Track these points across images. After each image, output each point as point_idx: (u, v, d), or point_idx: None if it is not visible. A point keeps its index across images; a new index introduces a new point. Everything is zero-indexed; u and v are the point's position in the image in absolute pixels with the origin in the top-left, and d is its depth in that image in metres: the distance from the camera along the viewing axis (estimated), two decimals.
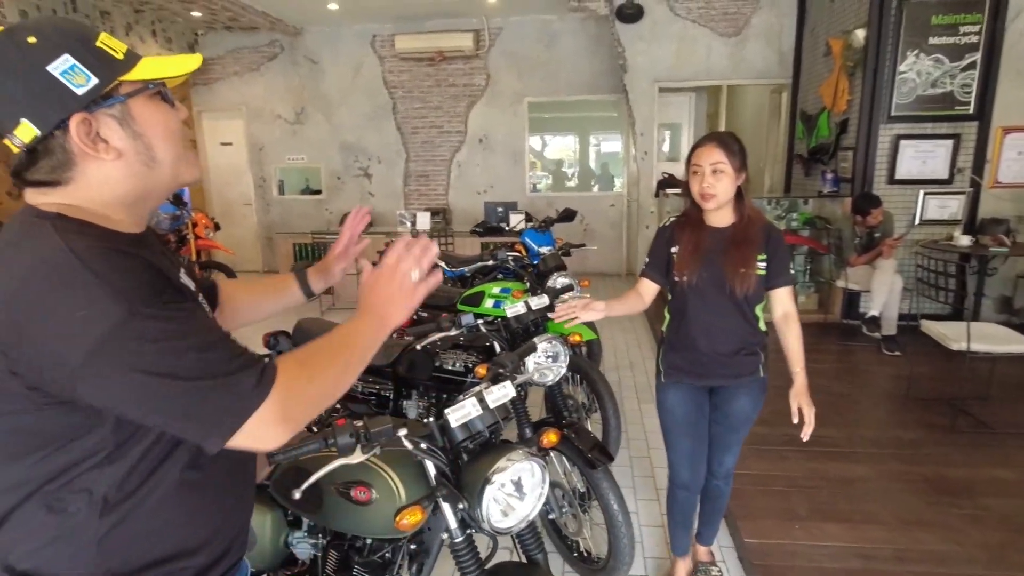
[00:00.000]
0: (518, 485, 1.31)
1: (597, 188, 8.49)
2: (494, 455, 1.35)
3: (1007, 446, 3.06)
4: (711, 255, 1.84)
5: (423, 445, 1.37)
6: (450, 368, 2.41)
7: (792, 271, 1.88)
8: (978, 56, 4.54)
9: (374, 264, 0.96)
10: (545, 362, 2.15)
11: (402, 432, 1.34)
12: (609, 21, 6.61)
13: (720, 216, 1.87)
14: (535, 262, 3.66)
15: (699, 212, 1.88)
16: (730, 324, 1.86)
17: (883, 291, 4.26)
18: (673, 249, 1.91)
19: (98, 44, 0.78)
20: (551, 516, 2.18)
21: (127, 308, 0.69)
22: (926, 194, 4.79)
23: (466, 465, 1.38)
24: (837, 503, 2.60)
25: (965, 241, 4.39)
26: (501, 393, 1.37)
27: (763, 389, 1.96)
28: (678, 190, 5.79)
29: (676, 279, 1.88)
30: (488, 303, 3.22)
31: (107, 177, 0.79)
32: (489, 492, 1.28)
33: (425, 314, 3.58)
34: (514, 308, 2.18)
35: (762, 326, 1.92)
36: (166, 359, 0.70)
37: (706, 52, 6.47)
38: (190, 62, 0.83)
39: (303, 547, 1.59)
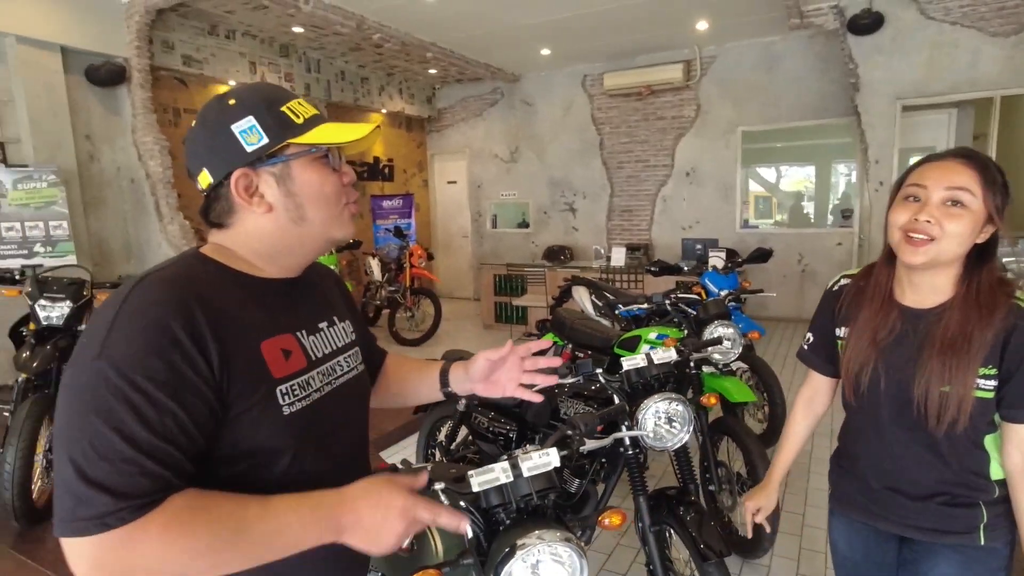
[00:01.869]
0: (535, 570, 1.14)
1: (830, 223, 7.45)
2: (528, 527, 1.21)
3: None
4: (897, 352, 1.15)
5: (462, 503, 1.29)
6: (568, 417, 2.27)
7: None
8: None
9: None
10: (662, 425, 1.90)
11: (439, 486, 1.27)
12: (839, 35, 5.81)
13: (925, 287, 1.15)
14: None
15: (889, 274, 1.20)
16: (918, 460, 1.18)
17: None
18: (840, 332, 1.27)
19: (283, 108, 0.85)
20: None
21: (96, 355, 0.69)
22: None
23: (502, 533, 1.25)
24: None
25: None
26: (540, 461, 1.22)
27: (991, 567, 1.18)
28: None
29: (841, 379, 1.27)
30: (643, 349, 2.99)
31: (258, 227, 0.86)
32: (507, 570, 1.14)
33: (580, 354, 3.47)
34: (632, 360, 1.97)
35: (994, 472, 1.16)
36: (76, 421, 0.67)
37: (971, 58, 5.28)
38: (362, 129, 0.88)
39: None
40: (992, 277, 1.10)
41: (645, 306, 3.22)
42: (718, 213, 7.39)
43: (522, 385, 1.08)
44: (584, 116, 8.05)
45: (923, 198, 1.08)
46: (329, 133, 0.85)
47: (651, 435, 1.88)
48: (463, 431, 2.85)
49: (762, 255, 3.95)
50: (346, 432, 0.97)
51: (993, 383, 1.08)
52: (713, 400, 2.23)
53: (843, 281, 1.30)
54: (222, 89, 6.47)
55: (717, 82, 7.13)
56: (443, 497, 1.27)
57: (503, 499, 1.24)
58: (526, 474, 1.22)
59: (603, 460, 2.20)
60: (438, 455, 3.01)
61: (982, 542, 1.15)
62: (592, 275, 6.21)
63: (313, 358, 0.88)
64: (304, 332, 0.89)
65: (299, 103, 0.87)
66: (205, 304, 0.76)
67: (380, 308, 7.31)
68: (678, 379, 2.49)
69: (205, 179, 0.85)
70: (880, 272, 1.21)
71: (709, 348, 2.38)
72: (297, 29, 5.99)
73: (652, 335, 3.00)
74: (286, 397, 0.82)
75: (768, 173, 8.66)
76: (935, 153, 1.14)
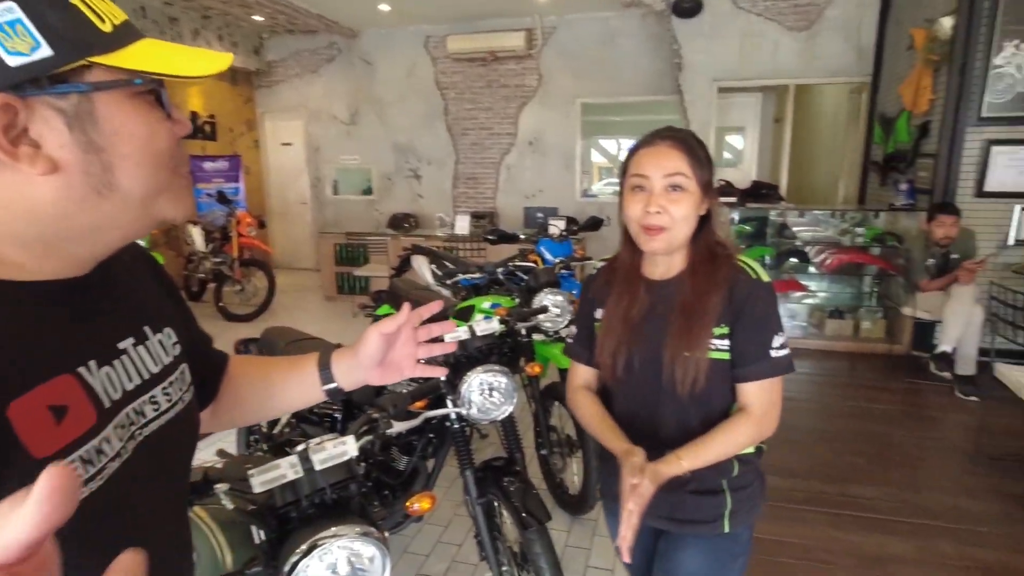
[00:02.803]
0: (334, 570, 1.04)
1: None
2: (325, 523, 1.10)
3: None
4: (648, 326, 1.19)
5: (251, 507, 1.14)
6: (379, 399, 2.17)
7: (779, 352, 1.14)
8: None
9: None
10: (487, 396, 1.86)
11: (222, 487, 1.11)
12: (666, 16, 6.17)
13: (664, 260, 1.20)
14: None
15: (634, 253, 1.23)
16: (673, 441, 1.16)
17: (957, 323, 3.62)
18: (597, 314, 1.27)
19: (76, 1, 0.51)
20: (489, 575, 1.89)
21: None
22: (1023, 210, 4.05)
23: (293, 533, 1.13)
24: None
25: None
26: (335, 452, 1.10)
27: (734, 552, 1.23)
28: (733, 199, 5.28)
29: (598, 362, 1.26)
30: (476, 318, 2.96)
31: (25, 197, 0.52)
32: (298, 574, 1.02)
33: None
34: (454, 333, 1.91)
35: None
36: None
37: (773, 48, 5.89)
38: (217, 61, 0.59)
39: None
40: (710, 242, 1.19)
41: (479, 275, 3.18)
42: (560, 182, 7.61)
43: (419, 361, 0.87)
44: (428, 79, 7.79)
45: (648, 187, 1.14)
46: (160, 56, 0.55)
47: (473, 408, 1.84)
48: (286, 415, 2.63)
49: (594, 223, 4.10)
50: (165, 495, 0.66)
51: (727, 343, 1.15)
52: (537, 369, 2.25)
53: (600, 265, 1.34)
54: None
55: (558, 53, 7.25)
56: (226, 501, 1.11)
57: (294, 496, 1.11)
58: (318, 467, 1.09)
59: (431, 436, 2.14)
60: (262, 443, 2.76)
61: (727, 529, 1.21)
62: (437, 243, 6.11)
63: (108, 404, 0.57)
64: (94, 364, 0.56)
65: None
66: None
67: (205, 282, 6.60)
68: (511, 348, 2.49)
69: None
70: (624, 253, 1.25)
71: (537, 316, 2.40)
72: None
73: (485, 304, 2.97)
74: None
75: (609, 145, 9.09)
76: (645, 137, 1.19)
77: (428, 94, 7.84)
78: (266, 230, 7.66)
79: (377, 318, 3.91)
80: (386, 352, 0.85)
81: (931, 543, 2.37)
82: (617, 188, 1.25)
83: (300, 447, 1.10)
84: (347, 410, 2.35)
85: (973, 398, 3.64)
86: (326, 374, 0.85)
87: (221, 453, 1.88)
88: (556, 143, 7.53)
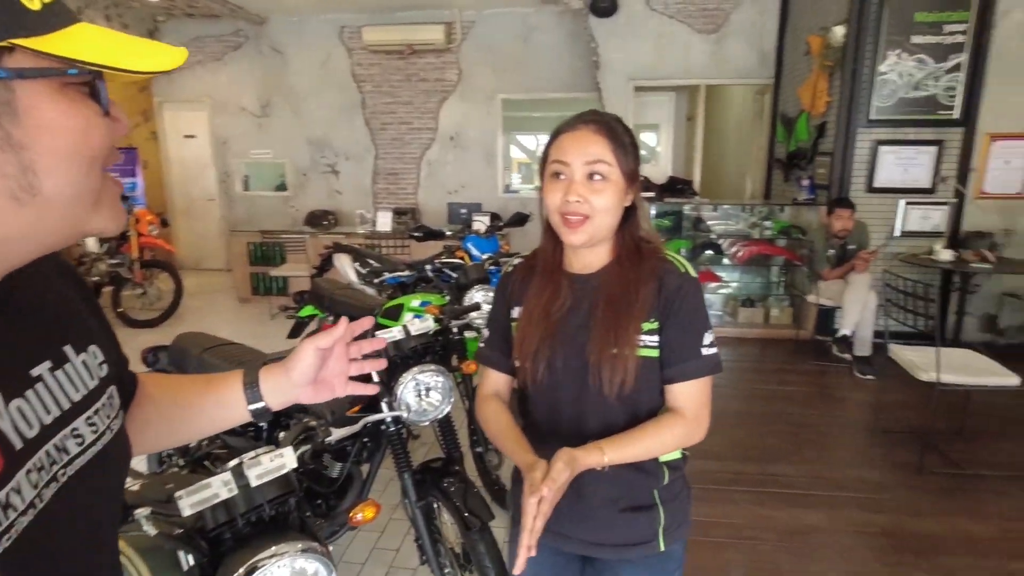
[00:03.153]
0: None
1: None
2: (264, 542, 1.02)
3: (979, 491, 2.73)
4: (570, 324, 1.11)
5: (178, 531, 1.05)
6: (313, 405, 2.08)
7: (709, 350, 1.09)
8: (964, 57, 4.22)
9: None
10: (423, 397, 1.82)
11: (143, 512, 1.01)
12: (584, 15, 6.28)
13: (587, 254, 1.13)
14: None
15: (556, 247, 1.16)
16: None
17: (855, 308, 3.93)
18: (514, 313, 1.18)
19: None
20: None
21: None
22: (907, 204, 4.46)
23: (228, 555, 1.04)
24: (780, 561, 2.27)
25: (947, 256, 4.07)
26: (272, 466, 1.03)
27: (669, 570, 1.18)
28: (651, 194, 5.46)
29: (516, 365, 1.17)
30: (406, 317, 2.89)
31: None
32: None
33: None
34: (387, 333, 1.84)
35: (669, 454, 1.14)
36: None
37: (684, 50, 6.14)
38: (168, 56, 0.51)
39: None
40: (634, 234, 1.12)
41: (407, 273, 3.11)
42: (482, 178, 7.59)
43: (352, 379, 0.83)
44: (343, 71, 7.53)
45: (568, 175, 1.06)
46: (100, 45, 0.47)
47: (412, 410, 1.79)
48: None
49: (520, 219, 4.12)
50: (95, 533, 0.59)
51: (656, 339, 1.08)
52: (472, 367, 2.22)
53: (516, 261, 1.25)
54: None
55: (477, 48, 7.21)
56: (147, 526, 1.01)
57: (228, 516, 1.03)
58: (255, 483, 1.02)
59: (365, 440, 2.07)
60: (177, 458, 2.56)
61: (662, 548, 1.15)
62: (358, 240, 5.93)
63: (20, 445, 0.49)
64: None
65: None
66: None
67: (99, 285, 6.06)
68: (443, 346, 2.44)
69: None
70: (546, 247, 1.17)
71: (470, 313, 2.37)
72: None
73: (415, 303, 2.91)
74: None
75: (529, 141, 9.17)
76: (567, 121, 1.10)
77: (344, 86, 7.57)
78: (169, 228, 7.15)
79: (300, 319, 3.74)
80: (321, 369, 0.80)
81: (840, 512, 2.56)
82: (538, 184, 1.18)
83: (233, 462, 1.02)
84: (273, 418, 2.23)
85: (870, 377, 3.98)
86: (253, 392, 0.78)
87: (131, 473, 1.73)
88: (477, 138, 7.49)
